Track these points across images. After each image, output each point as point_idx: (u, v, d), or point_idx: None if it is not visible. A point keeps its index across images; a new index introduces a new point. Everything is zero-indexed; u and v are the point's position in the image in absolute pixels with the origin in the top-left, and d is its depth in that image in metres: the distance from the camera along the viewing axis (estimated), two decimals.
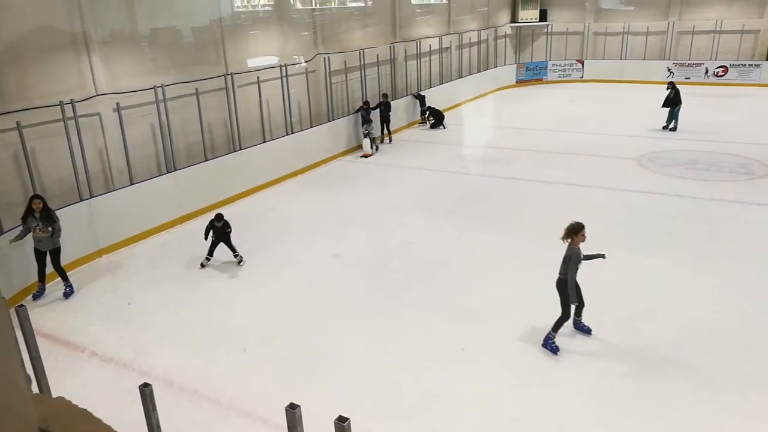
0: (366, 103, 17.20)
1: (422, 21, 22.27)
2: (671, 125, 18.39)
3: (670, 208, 12.02)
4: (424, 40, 21.91)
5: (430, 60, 22.59)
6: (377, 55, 18.98)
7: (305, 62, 16.00)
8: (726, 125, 18.94)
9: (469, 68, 25.94)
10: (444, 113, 20.53)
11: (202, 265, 9.98)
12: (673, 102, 18.20)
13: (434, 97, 21.14)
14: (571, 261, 7.04)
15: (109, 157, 11.32)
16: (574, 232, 7.02)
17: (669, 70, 27.50)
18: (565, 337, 7.56)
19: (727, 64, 26.54)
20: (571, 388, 6.61)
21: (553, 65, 29.12)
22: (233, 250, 9.98)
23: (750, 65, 26.20)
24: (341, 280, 9.45)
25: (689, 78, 27.08)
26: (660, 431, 5.92)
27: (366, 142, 16.77)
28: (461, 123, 21.09)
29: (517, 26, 29.94)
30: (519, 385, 6.73)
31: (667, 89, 18.46)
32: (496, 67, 28.00)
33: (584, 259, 7.14)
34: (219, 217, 9.75)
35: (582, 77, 28.94)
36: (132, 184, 11.28)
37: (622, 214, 11.80)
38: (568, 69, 29.15)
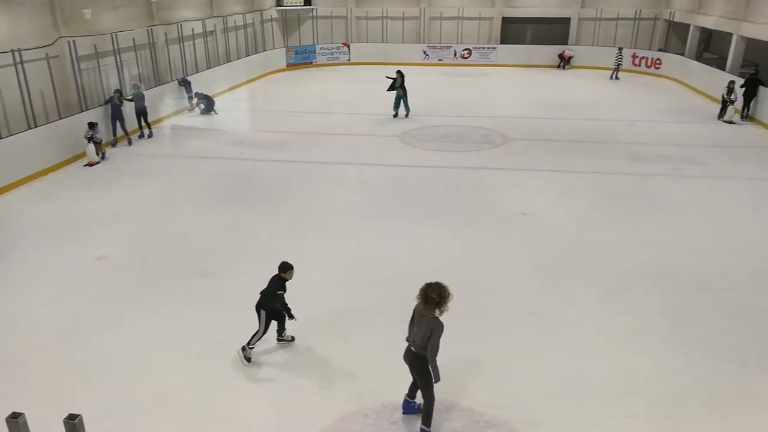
0: (118, 91, 15.58)
1: (182, 3, 21.18)
2: (403, 112, 18.68)
3: (428, 178, 13.32)
4: (185, 24, 20.88)
5: (194, 44, 21.63)
6: (134, 39, 17.61)
7: (45, 46, 14.17)
8: (472, 101, 21.47)
9: (237, 52, 25.44)
10: (214, 99, 19.92)
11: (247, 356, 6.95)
12: (399, 89, 18.38)
13: (202, 83, 20.36)
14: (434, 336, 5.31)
15: None
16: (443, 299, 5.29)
17: (425, 52, 30.14)
18: (345, 318, 8.02)
19: (470, 47, 29.94)
20: (348, 366, 7.06)
21: (322, 48, 29.94)
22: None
23: (488, 48, 29.91)
24: (108, 283, 8.74)
25: (442, 59, 30.01)
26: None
27: (90, 148, 13.99)
28: (233, 108, 20.66)
29: (282, 9, 30.08)
30: (294, 369, 6.97)
31: (394, 77, 18.52)
32: (265, 51, 27.85)
33: None
34: (286, 267, 6.89)
35: (349, 60, 30.25)
36: None
37: (388, 188, 12.77)
38: (336, 52, 30.23)
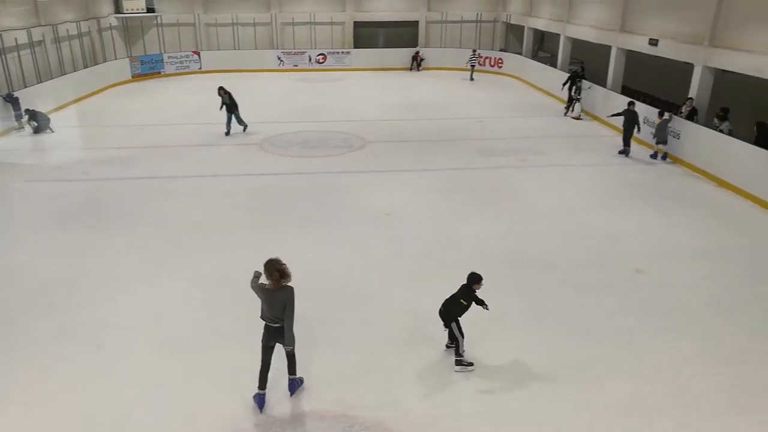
0: None
1: None
2: (239, 128, 17.69)
3: (289, 185, 13.15)
4: (5, 33, 18.82)
5: (19, 56, 19.56)
6: None
7: None
8: (330, 106, 21.58)
9: (74, 64, 23.42)
10: (49, 116, 18.15)
11: None
12: (229, 106, 17.46)
13: (34, 99, 18.47)
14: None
15: None
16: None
17: (279, 58, 29.79)
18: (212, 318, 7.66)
19: (325, 51, 30.09)
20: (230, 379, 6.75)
21: (170, 57, 28.47)
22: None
23: (342, 52, 30.26)
24: None
25: (297, 65, 29.85)
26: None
27: None
28: (72, 125, 18.95)
29: (123, 17, 28.20)
30: (164, 392, 6.55)
31: (221, 96, 17.45)
32: (105, 61, 25.87)
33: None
34: (479, 279, 7.02)
35: (201, 68, 29.06)
36: None
37: (249, 198, 12.44)
38: (186, 61, 28.91)
